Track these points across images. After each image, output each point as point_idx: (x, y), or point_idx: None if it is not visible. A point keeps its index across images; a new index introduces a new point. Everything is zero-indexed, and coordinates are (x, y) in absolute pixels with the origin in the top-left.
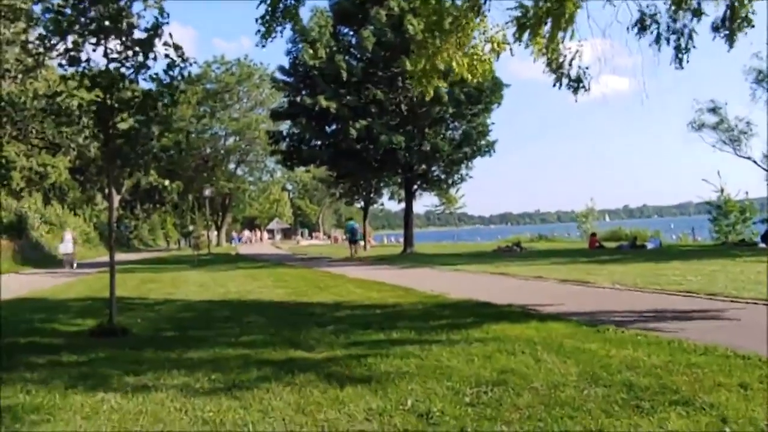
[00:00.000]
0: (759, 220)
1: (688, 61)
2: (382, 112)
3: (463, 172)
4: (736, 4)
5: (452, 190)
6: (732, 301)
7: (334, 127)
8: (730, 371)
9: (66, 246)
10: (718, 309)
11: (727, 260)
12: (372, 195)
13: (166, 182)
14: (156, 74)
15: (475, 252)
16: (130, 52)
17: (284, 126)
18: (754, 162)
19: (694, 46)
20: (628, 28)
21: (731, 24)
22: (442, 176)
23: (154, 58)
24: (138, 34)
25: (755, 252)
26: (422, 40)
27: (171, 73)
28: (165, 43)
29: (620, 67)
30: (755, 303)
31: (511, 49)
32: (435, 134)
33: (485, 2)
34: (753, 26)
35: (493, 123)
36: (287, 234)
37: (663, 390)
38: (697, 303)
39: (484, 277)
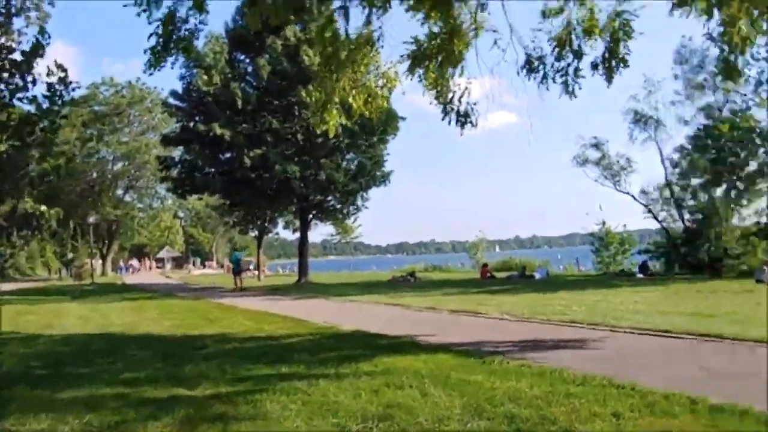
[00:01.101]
0: (636, 251)
1: (580, 89)
2: (277, 141)
3: (359, 202)
4: (613, 45)
5: (348, 220)
6: (611, 331)
7: (228, 155)
8: (605, 401)
9: None
10: (599, 338)
11: (609, 290)
12: (267, 224)
13: (43, 208)
14: (35, 97)
15: (370, 282)
16: (6, 74)
17: (176, 152)
18: (632, 197)
19: (582, 77)
20: (517, 72)
21: (609, 63)
22: (338, 206)
23: (33, 81)
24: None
25: (633, 282)
26: (319, 71)
27: (52, 97)
28: (49, 72)
29: (509, 104)
30: (632, 332)
31: (402, 88)
32: (331, 164)
33: (378, 38)
34: (627, 66)
35: (388, 153)
36: (179, 263)
37: (542, 421)
38: (580, 333)
39: (378, 308)
